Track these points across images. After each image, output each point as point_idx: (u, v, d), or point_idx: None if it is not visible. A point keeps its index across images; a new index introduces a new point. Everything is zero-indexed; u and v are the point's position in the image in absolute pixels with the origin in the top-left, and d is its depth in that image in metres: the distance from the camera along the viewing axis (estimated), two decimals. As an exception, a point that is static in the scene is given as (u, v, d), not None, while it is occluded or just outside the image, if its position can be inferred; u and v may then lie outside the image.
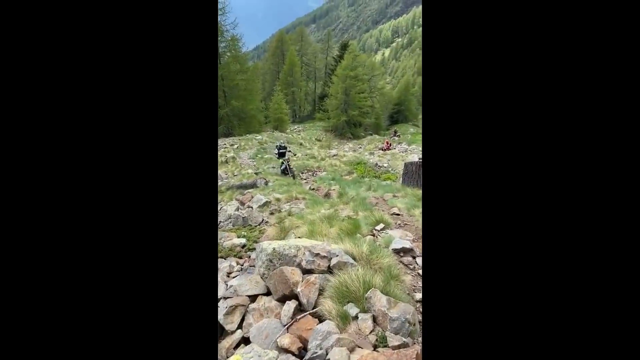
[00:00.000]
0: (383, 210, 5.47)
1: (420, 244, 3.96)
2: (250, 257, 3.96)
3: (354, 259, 2.69)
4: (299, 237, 3.90)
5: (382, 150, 23.45)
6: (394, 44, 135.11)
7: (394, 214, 5.35)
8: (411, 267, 3.22)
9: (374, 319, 2.12)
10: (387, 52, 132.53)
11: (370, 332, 2.02)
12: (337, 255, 2.62)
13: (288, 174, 12.00)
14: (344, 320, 2.09)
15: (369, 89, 36.85)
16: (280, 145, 12.74)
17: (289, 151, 13.06)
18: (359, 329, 2.05)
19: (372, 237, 3.88)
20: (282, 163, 12.44)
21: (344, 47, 42.64)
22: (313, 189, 9.35)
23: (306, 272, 2.63)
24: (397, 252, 3.45)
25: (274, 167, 14.19)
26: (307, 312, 2.25)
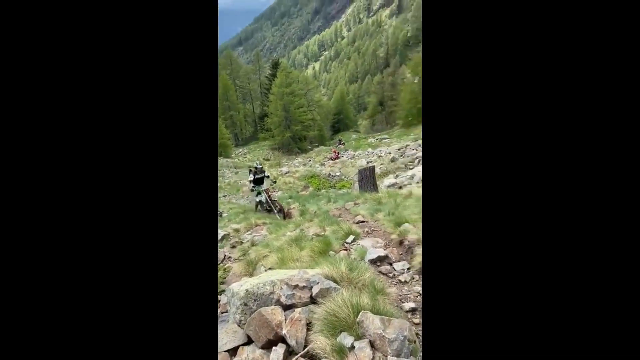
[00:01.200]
0: (348, 221, 5.40)
1: (393, 249, 3.94)
2: (220, 302, 3.59)
3: (336, 281, 2.53)
4: (270, 269, 3.65)
5: (332, 159, 23.87)
6: (322, 57, 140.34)
7: (359, 222, 5.32)
8: (390, 275, 3.15)
9: (371, 344, 1.97)
10: (317, 65, 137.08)
11: (371, 361, 1.86)
12: (318, 283, 2.44)
13: (271, 210, 7.98)
14: (341, 354, 1.91)
15: (307, 103, 37.61)
16: (256, 169, 8.72)
17: (267, 177, 8.87)
18: (358, 359, 1.88)
19: (345, 251, 3.76)
20: (259, 193, 8.43)
21: (275, 65, 43.24)
22: (271, 211, 9.04)
23: (287, 308, 2.41)
24: (373, 262, 3.37)
25: (225, 196, 13.55)
26: (299, 355, 2.03)
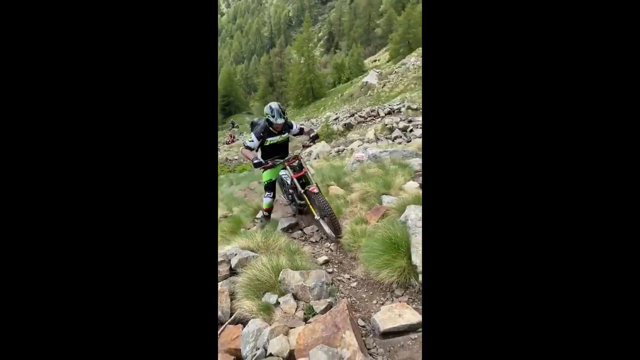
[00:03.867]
0: (255, 199, 5.43)
1: (301, 216, 4.18)
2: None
3: (253, 251, 2.61)
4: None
5: (227, 144, 22.87)
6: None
7: (266, 198, 5.41)
8: (302, 238, 3.39)
9: (295, 297, 2.15)
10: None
11: (296, 310, 2.05)
12: (236, 254, 2.48)
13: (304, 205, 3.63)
14: (268, 311, 2.04)
15: (191, 85, 34.49)
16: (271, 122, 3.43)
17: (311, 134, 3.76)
18: (285, 312, 2.05)
19: (256, 226, 3.83)
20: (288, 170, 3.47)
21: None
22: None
23: (207, 285, 2.39)
24: (285, 230, 3.55)
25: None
26: (227, 322, 2.07)
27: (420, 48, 30.06)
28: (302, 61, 36.93)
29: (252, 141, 3.39)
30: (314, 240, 3.29)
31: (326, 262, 2.72)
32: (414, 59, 27.97)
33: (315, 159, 12.19)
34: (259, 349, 1.76)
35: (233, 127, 31.54)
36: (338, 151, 12.26)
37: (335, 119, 20.83)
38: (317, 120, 23.96)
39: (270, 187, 3.66)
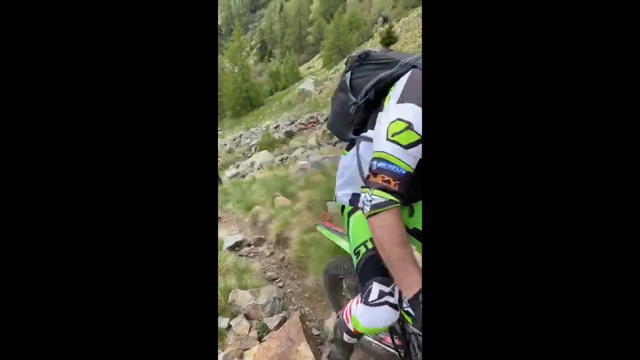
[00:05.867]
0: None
1: (247, 230, 4.11)
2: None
3: (199, 275, 2.50)
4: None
5: None
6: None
7: (209, 217, 5.20)
8: (252, 255, 3.33)
9: (247, 317, 2.11)
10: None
11: (249, 330, 2.01)
12: (180, 282, 2.34)
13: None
14: (220, 337, 1.98)
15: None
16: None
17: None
18: (238, 335, 2.00)
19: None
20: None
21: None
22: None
23: (150, 320, 2.22)
24: (232, 248, 3.46)
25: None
26: (176, 358, 1.95)
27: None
28: (236, 70, 36.22)
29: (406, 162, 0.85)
30: (267, 254, 3.25)
31: (275, 279, 2.71)
32: (346, 65, 29.14)
33: (258, 169, 12.03)
34: (213, 378, 1.69)
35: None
36: (282, 159, 12.25)
37: (276, 127, 20.79)
38: (257, 129, 23.65)
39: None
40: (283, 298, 2.23)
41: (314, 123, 18.38)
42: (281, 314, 2.08)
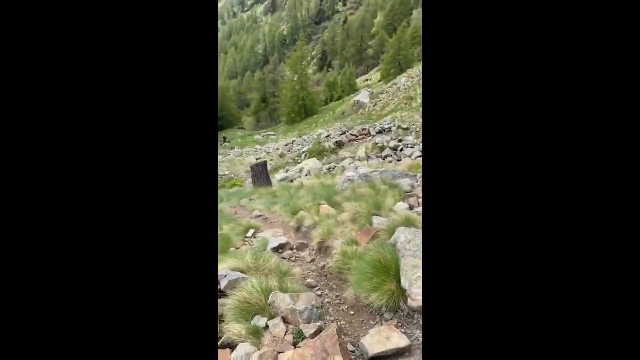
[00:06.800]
0: (245, 217, 5.42)
1: (291, 234, 4.19)
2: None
3: (243, 272, 2.60)
4: (166, 275, 3.40)
5: None
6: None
7: (257, 216, 5.39)
8: (293, 258, 3.39)
9: (284, 320, 2.14)
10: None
11: (285, 334, 2.04)
12: (225, 276, 2.46)
13: None
14: (257, 335, 2.02)
15: (183, 99, 34.54)
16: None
17: None
18: (274, 336, 2.04)
19: (246, 245, 3.81)
20: None
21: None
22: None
23: (195, 307, 2.35)
24: (275, 250, 3.54)
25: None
26: (214, 348, 2.04)
27: (411, 69, 30.96)
28: (295, 78, 37.55)
29: None
30: (308, 260, 3.29)
31: (315, 285, 2.72)
32: (405, 80, 28.73)
33: (306, 175, 12.26)
34: (247, 375, 1.74)
35: (225, 141, 31.55)
36: (329, 168, 12.35)
37: (327, 136, 21.07)
38: (308, 137, 24.19)
39: None
40: (321, 307, 2.23)
41: (365, 135, 18.30)
42: (318, 323, 2.07)
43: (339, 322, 2.20)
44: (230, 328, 2.09)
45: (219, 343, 2.06)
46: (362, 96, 31.05)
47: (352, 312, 2.32)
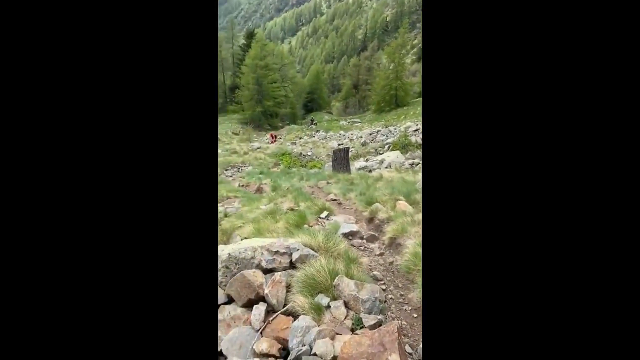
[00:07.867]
0: (321, 198, 5.60)
1: (363, 224, 4.19)
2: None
3: (313, 250, 2.72)
4: (245, 238, 3.75)
5: (270, 143, 23.80)
6: (299, 33, 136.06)
7: (332, 199, 5.53)
8: (362, 248, 3.40)
9: (346, 304, 2.19)
10: (293, 40, 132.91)
11: (345, 318, 2.08)
12: (298, 250, 2.61)
13: None
14: (318, 311, 2.12)
15: (280, 78, 36.65)
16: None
17: None
18: (334, 317, 2.10)
19: (319, 225, 3.95)
20: None
21: (250, 35, 41.34)
22: (242, 185, 9.02)
23: (267, 272, 2.56)
24: (346, 236, 3.60)
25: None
26: (279, 312, 2.21)
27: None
28: (391, 67, 36.39)
29: None
30: (377, 253, 3.27)
31: (381, 279, 2.69)
32: (516, 79, 25.35)
33: (386, 168, 11.99)
34: (305, 345, 1.84)
35: (312, 123, 32.64)
36: (412, 164, 11.85)
37: (415, 131, 20.14)
38: (395, 129, 23.46)
39: None
40: (384, 302, 2.21)
41: (458, 135, 16.90)
42: (378, 317, 2.07)
43: (400, 321, 2.16)
44: (295, 299, 2.22)
45: (283, 309, 2.22)
46: (461, 92, 28.55)
47: (415, 315, 2.25)
